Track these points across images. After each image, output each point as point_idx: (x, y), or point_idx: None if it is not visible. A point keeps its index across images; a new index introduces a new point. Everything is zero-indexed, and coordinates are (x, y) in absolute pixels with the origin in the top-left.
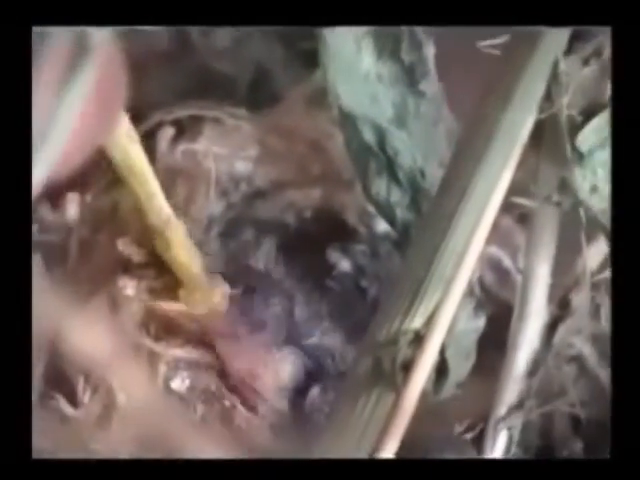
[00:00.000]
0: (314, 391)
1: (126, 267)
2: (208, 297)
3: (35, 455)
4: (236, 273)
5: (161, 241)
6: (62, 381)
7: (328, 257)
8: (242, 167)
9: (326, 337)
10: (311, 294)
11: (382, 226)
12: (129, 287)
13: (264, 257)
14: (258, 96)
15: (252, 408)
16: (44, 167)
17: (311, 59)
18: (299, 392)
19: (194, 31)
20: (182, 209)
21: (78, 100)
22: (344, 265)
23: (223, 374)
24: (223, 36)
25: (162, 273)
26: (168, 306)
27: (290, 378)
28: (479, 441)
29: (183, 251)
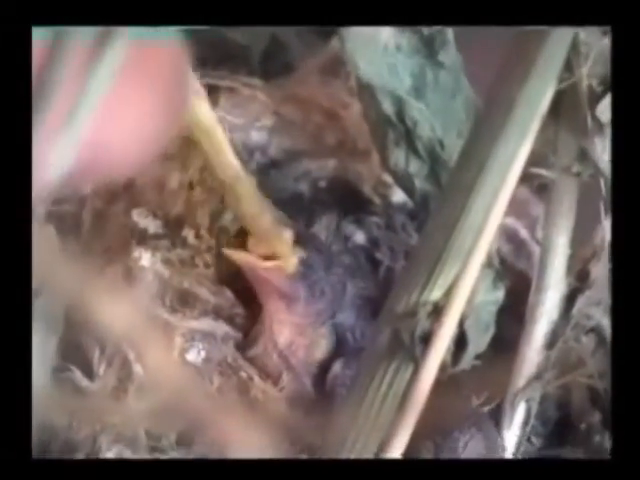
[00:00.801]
0: (336, 366)
1: (141, 238)
2: (277, 250)
3: (50, 430)
4: (302, 238)
5: (231, 195)
6: (77, 354)
7: (343, 228)
8: (257, 137)
9: (347, 312)
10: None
11: (398, 196)
12: (144, 258)
13: (325, 229)
14: (273, 65)
15: (273, 380)
16: (68, 150)
17: (325, 30)
18: (323, 367)
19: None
20: (198, 179)
21: (106, 82)
22: (358, 237)
23: (242, 345)
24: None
25: (177, 244)
26: (236, 254)
27: (322, 354)
28: (497, 413)
29: (253, 204)
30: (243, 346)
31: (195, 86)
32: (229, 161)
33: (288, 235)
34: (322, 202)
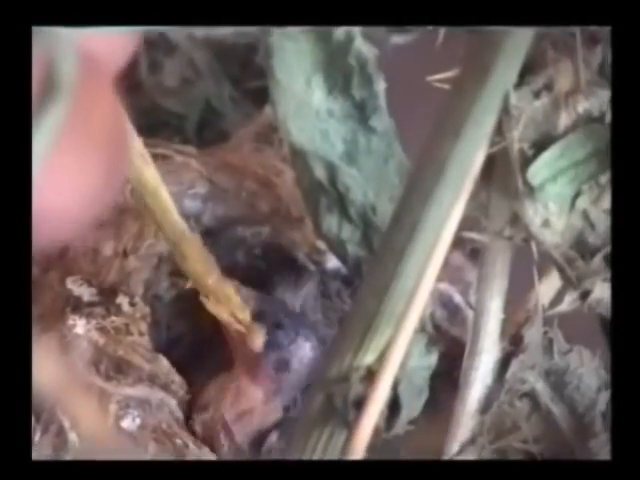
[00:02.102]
0: (272, 437)
1: (76, 306)
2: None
3: None
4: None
5: (178, 254)
6: None
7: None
8: (191, 204)
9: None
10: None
11: (332, 263)
12: (79, 326)
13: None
14: (207, 134)
15: (211, 447)
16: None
17: (260, 97)
18: (259, 438)
19: (143, 69)
20: (132, 247)
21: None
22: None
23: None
24: (172, 74)
25: (111, 312)
26: (215, 308)
27: (265, 427)
28: None
29: (199, 262)
30: (189, 408)
31: (139, 148)
32: (175, 220)
33: (247, 312)
34: (258, 270)
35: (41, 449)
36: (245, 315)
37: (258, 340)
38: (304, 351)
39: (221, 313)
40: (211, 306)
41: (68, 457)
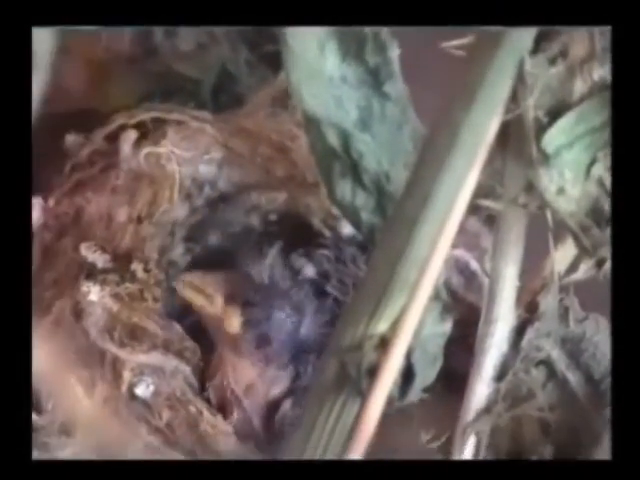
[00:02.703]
0: (285, 405)
1: (90, 272)
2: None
3: None
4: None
5: None
6: None
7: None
8: (206, 170)
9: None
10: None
11: (348, 229)
12: (93, 292)
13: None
14: (222, 98)
15: (223, 414)
16: None
17: (276, 61)
18: (272, 407)
19: (158, 34)
20: (146, 213)
21: None
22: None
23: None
24: (187, 39)
25: (126, 279)
26: (188, 293)
27: (275, 396)
28: (447, 447)
29: None
30: (203, 375)
31: None
32: None
33: (219, 296)
34: (272, 235)
35: (54, 416)
36: (218, 299)
37: (234, 322)
38: (281, 321)
39: (195, 299)
40: (186, 293)
41: (80, 424)
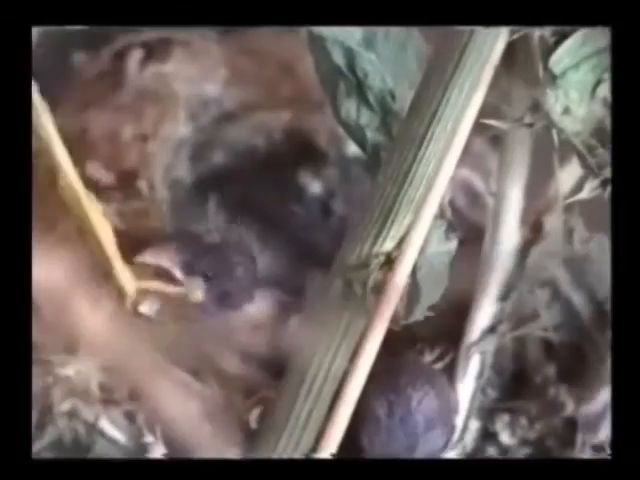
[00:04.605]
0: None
1: (95, 190)
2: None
3: None
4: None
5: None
6: None
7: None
8: (211, 89)
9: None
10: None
11: (353, 148)
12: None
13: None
14: None
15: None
16: None
17: None
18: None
19: None
20: (152, 131)
21: None
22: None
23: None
24: None
25: (131, 196)
26: (145, 283)
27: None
28: (451, 366)
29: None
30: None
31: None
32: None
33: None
34: (278, 154)
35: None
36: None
37: (196, 292)
38: (236, 273)
39: (151, 285)
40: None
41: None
